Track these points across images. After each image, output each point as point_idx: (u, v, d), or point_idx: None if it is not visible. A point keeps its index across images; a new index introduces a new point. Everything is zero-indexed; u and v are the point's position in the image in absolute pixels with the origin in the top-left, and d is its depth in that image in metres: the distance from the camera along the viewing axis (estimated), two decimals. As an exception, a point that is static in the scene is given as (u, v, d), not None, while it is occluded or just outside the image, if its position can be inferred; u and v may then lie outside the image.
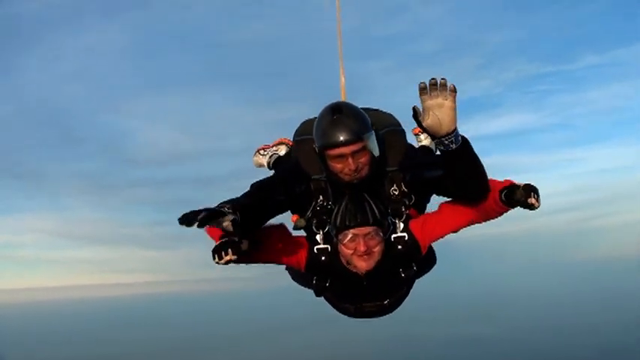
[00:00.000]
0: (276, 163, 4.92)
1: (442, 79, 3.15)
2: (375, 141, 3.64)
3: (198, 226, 2.98)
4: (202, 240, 3.58)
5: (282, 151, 5.03)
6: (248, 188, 3.81)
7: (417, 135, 4.97)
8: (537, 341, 59.85)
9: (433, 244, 4.08)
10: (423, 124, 3.23)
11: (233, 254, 3.22)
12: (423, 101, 3.21)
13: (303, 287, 4.32)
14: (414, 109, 3.25)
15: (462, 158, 3.38)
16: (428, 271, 4.29)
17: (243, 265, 3.65)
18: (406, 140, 4.07)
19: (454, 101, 3.20)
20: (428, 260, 4.17)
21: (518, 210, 3.58)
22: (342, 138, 3.47)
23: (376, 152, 3.65)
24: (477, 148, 3.48)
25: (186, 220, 2.97)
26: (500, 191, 3.52)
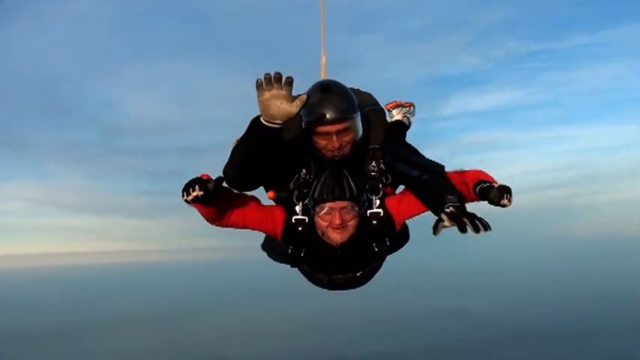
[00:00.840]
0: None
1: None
2: (360, 121, 3.75)
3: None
4: (189, 210, 3.62)
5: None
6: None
7: (389, 110, 4.95)
8: (520, 315, 60.70)
9: (408, 222, 4.18)
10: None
11: (199, 190, 3.28)
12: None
13: (278, 262, 4.42)
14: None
15: (443, 184, 3.69)
16: (400, 247, 4.36)
17: (217, 225, 3.83)
18: (386, 119, 4.20)
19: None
20: (401, 237, 4.26)
21: (510, 186, 3.64)
22: (328, 116, 3.57)
23: (360, 132, 3.77)
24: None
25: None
26: (475, 185, 3.67)
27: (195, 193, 3.27)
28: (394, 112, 4.91)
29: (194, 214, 3.70)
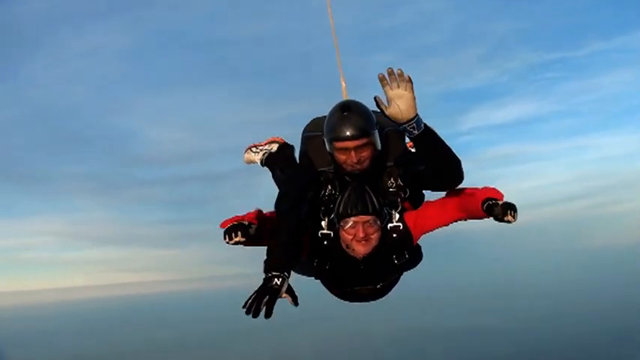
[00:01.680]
0: (269, 159, 5.20)
1: (398, 69, 3.54)
2: (378, 139, 4.07)
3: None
4: (210, 239, 3.95)
5: (275, 148, 5.30)
6: (274, 208, 4.17)
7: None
8: (550, 330, 59.93)
9: (421, 243, 4.47)
10: (386, 113, 3.61)
11: (242, 236, 3.71)
12: (385, 92, 3.58)
13: (303, 275, 4.64)
14: (375, 99, 3.62)
15: (426, 142, 3.73)
16: (415, 265, 4.59)
17: (250, 247, 4.06)
18: (404, 140, 4.44)
19: (412, 91, 3.56)
20: (416, 255, 4.51)
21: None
22: (347, 133, 3.90)
23: (378, 148, 4.09)
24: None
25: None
26: (483, 202, 3.92)
27: (237, 239, 3.73)
28: None
29: (215, 242, 4.01)
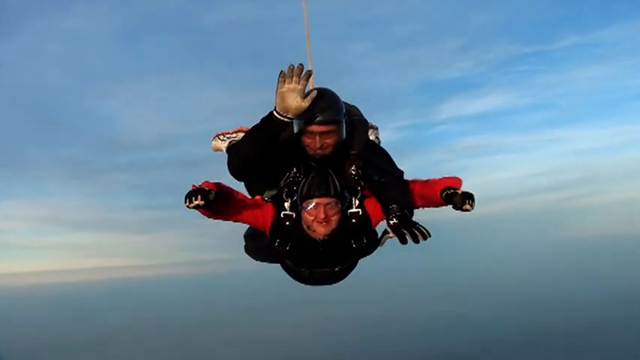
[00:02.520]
0: (231, 147, 5.21)
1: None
2: (344, 128, 4.28)
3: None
4: (184, 225, 4.09)
5: (240, 137, 5.30)
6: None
7: None
8: (520, 317, 60.75)
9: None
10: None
11: (201, 199, 3.77)
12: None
13: (263, 262, 5.02)
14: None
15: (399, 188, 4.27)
16: (371, 252, 4.79)
17: (213, 219, 4.30)
18: (367, 131, 4.69)
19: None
20: (373, 241, 4.67)
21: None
22: (316, 118, 4.09)
23: (343, 137, 4.28)
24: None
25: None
26: (442, 191, 4.09)
27: (196, 202, 3.78)
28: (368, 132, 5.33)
29: (190, 227, 4.21)
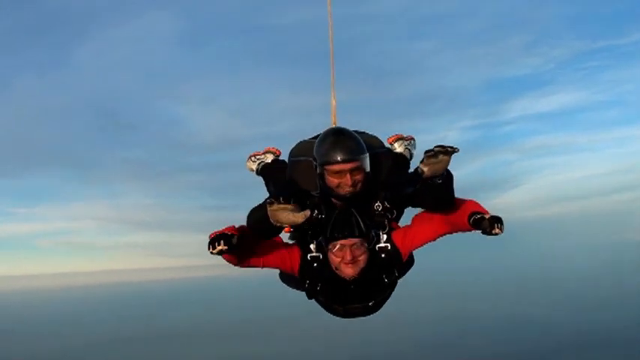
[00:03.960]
0: (263, 169, 5.41)
1: (450, 147, 3.64)
2: (369, 162, 4.20)
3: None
4: None
5: (269, 159, 5.50)
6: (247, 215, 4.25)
7: (391, 144, 5.29)
8: (589, 318, 59.34)
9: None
10: (423, 176, 3.79)
11: (224, 245, 3.73)
12: (427, 158, 3.69)
13: (295, 289, 4.88)
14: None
15: (440, 189, 3.91)
16: (407, 271, 4.70)
17: (240, 267, 4.28)
18: (391, 160, 4.64)
19: (450, 156, 3.69)
20: (407, 264, 4.61)
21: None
22: (342, 156, 4.04)
23: (368, 171, 4.20)
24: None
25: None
26: (469, 216, 3.98)
27: (220, 248, 3.74)
28: (396, 145, 5.27)
29: None
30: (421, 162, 3.75)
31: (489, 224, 3.82)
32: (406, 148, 5.24)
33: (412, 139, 5.35)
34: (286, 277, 4.78)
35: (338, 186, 4.13)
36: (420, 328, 60.49)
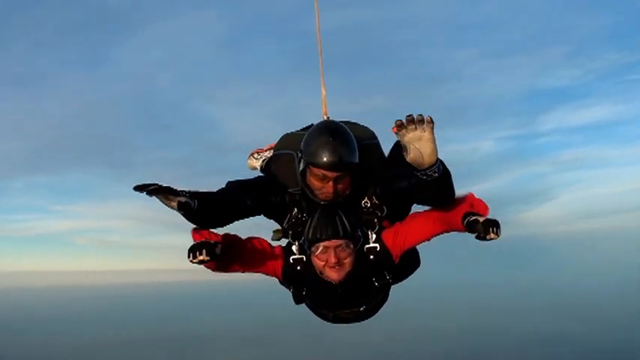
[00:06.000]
0: (267, 166, 4.85)
1: (418, 115, 3.28)
2: (358, 168, 3.76)
3: (147, 194, 3.34)
4: None
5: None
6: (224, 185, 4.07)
7: (395, 133, 4.48)
8: (615, 334, 58.62)
9: (419, 247, 4.21)
10: (407, 159, 3.42)
11: (206, 255, 3.40)
12: (401, 136, 3.34)
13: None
14: (399, 144, 3.46)
15: (438, 184, 3.54)
16: (410, 274, 4.40)
17: (218, 273, 4.03)
18: (381, 153, 4.21)
19: (432, 132, 3.31)
20: (409, 265, 4.29)
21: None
22: (331, 161, 3.58)
23: (356, 177, 3.79)
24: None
25: (140, 187, 3.31)
26: (464, 217, 3.61)
27: (201, 257, 3.42)
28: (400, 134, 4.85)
29: None
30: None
31: (484, 229, 3.40)
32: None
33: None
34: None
35: (319, 189, 3.73)
36: (446, 340, 60.09)
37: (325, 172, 3.61)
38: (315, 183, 3.70)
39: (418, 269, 4.41)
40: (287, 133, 4.33)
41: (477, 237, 3.45)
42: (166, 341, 68.89)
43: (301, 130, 4.29)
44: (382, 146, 4.27)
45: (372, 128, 4.30)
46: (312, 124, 4.18)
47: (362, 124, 4.29)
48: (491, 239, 3.40)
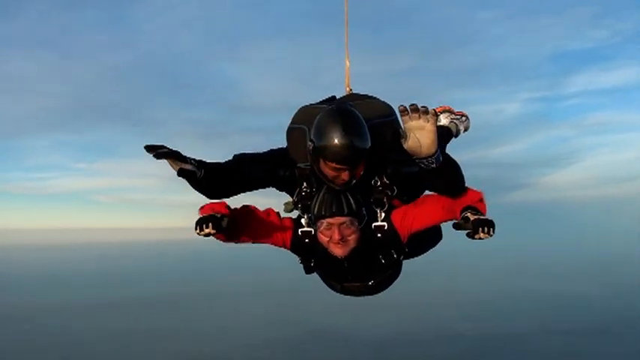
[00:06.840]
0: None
1: (422, 106, 3.26)
2: (370, 153, 3.63)
3: (155, 157, 3.37)
4: None
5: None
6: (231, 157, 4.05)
7: (437, 114, 4.36)
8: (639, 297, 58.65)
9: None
10: (404, 146, 3.39)
11: (212, 228, 3.45)
12: (404, 122, 3.32)
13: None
14: (399, 132, 3.44)
15: (437, 174, 3.54)
16: (430, 248, 4.39)
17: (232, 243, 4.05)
18: (393, 131, 3.93)
19: (434, 124, 3.30)
20: (430, 238, 4.27)
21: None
22: (342, 157, 3.50)
23: (366, 163, 3.70)
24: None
25: (150, 147, 3.35)
26: (462, 211, 3.61)
27: (207, 230, 3.45)
28: (441, 116, 4.79)
29: None
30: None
31: (473, 227, 3.39)
32: (452, 122, 4.74)
33: (463, 115, 4.85)
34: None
35: (331, 177, 3.67)
36: (468, 303, 60.54)
37: (335, 165, 3.56)
38: (327, 170, 3.65)
39: (440, 242, 4.41)
40: (304, 106, 4.21)
41: (467, 235, 3.46)
42: (192, 296, 70.22)
43: (319, 102, 4.28)
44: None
45: (392, 97, 4.15)
46: (334, 97, 4.32)
47: (381, 99, 4.20)
48: (480, 239, 3.38)
